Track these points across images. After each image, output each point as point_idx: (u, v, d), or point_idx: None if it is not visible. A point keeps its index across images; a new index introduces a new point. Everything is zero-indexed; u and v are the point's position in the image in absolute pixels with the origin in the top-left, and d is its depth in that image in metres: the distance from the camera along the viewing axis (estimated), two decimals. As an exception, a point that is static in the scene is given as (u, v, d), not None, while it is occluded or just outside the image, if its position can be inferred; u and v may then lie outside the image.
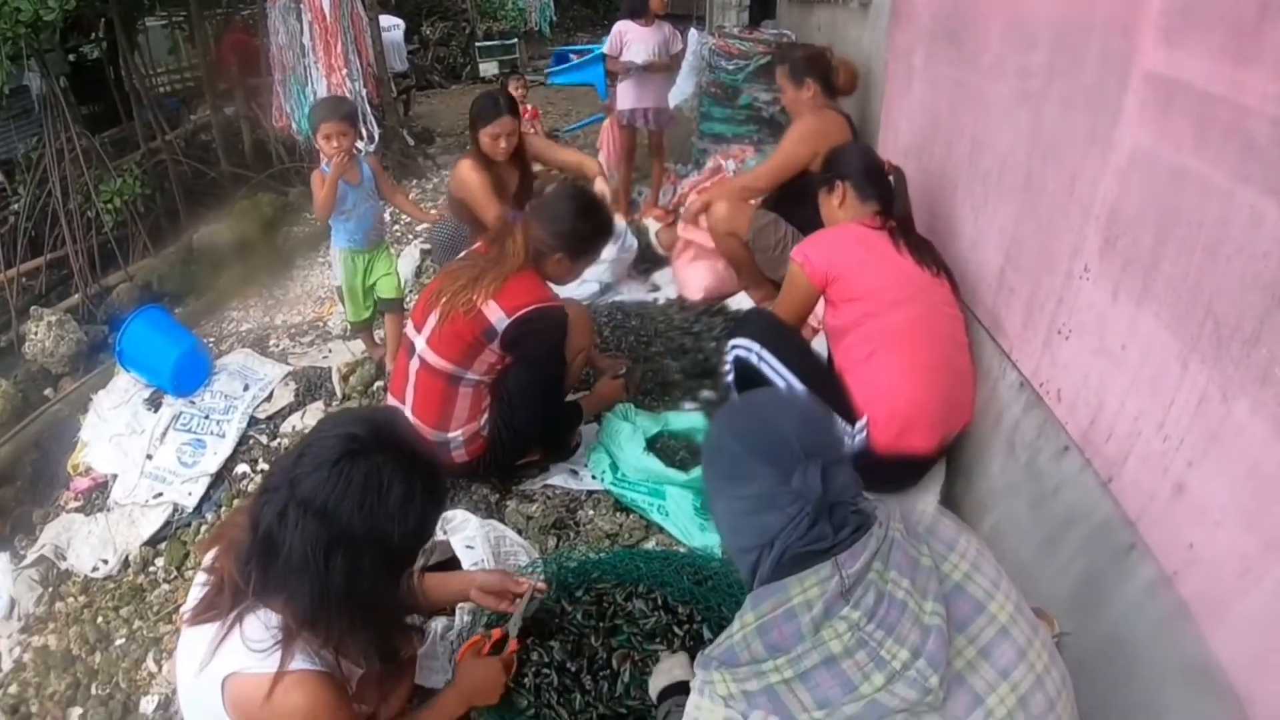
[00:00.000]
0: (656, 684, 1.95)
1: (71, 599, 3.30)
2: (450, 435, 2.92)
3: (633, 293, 4.79)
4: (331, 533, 1.50)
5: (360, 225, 3.95)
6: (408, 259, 5.21)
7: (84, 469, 3.89)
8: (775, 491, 1.33)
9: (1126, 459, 1.94)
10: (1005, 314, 2.62)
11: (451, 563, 2.63)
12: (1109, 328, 2.02)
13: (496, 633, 2.17)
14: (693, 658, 2.16)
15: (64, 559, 3.44)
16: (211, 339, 4.52)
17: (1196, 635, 1.66)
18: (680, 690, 1.88)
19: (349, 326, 4.40)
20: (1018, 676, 1.28)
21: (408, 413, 2.94)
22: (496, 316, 2.76)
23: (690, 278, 4.59)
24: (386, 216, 6.15)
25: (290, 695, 1.55)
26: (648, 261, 5.12)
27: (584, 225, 2.91)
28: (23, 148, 6.15)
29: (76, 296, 5.45)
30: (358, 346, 4.42)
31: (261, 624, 1.57)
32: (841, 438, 1.46)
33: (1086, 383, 2.12)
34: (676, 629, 2.23)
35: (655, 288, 4.87)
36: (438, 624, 2.44)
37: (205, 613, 1.63)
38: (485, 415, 2.96)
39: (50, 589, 3.38)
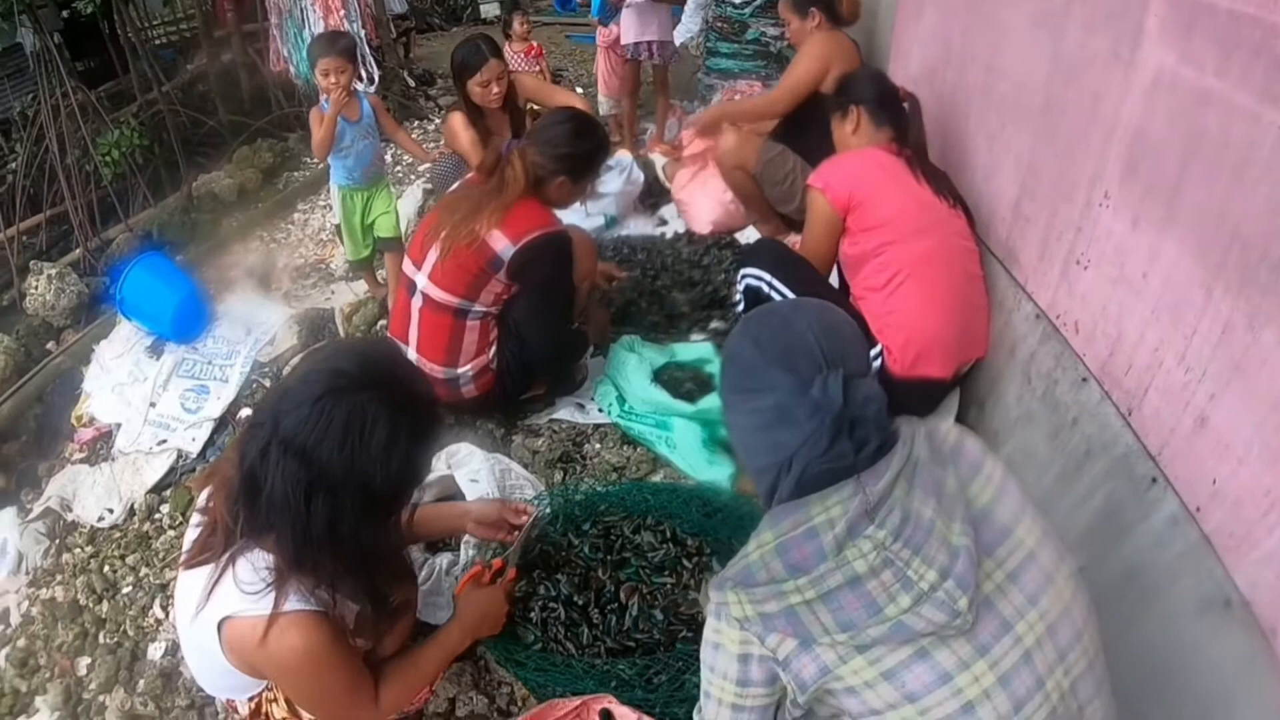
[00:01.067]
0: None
1: (78, 550, 3.26)
2: (460, 371, 2.86)
3: (639, 227, 4.68)
4: (312, 473, 1.43)
5: (359, 162, 3.86)
6: (410, 199, 5.11)
7: (87, 420, 3.84)
8: (792, 403, 1.25)
9: (1147, 391, 1.88)
10: (1020, 245, 2.55)
11: (449, 499, 2.57)
12: (1129, 256, 1.95)
13: (496, 562, 2.12)
14: (699, 585, 2.10)
15: (70, 510, 3.41)
16: (213, 285, 4.45)
17: (1219, 570, 1.61)
18: None
19: (350, 267, 4.33)
20: (1046, 604, 1.23)
21: (412, 352, 2.87)
22: (501, 245, 2.70)
23: (698, 211, 4.47)
24: (389, 158, 6.03)
25: (286, 637, 1.51)
26: (654, 196, 4.99)
27: (582, 144, 2.84)
28: (18, 106, 6.05)
29: (78, 251, 5.37)
30: (360, 287, 4.35)
31: (254, 565, 1.52)
32: (866, 349, 1.35)
33: (1105, 313, 2.05)
34: (685, 562, 2.17)
35: (663, 222, 4.76)
36: (442, 559, 2.40)
37: (200, 555, 1.59)
38: (493, 348, 2.90)
39: (57, 541, 3.36)
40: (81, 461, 3.67)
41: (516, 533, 2.15)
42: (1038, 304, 2.42)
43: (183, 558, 1.64)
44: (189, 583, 1.60)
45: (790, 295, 2.64)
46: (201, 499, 1.69)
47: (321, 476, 1.43)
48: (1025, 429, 2.44)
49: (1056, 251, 2.30)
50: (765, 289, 2.69)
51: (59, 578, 3.18)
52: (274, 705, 1.88)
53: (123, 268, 4.13)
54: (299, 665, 1.55)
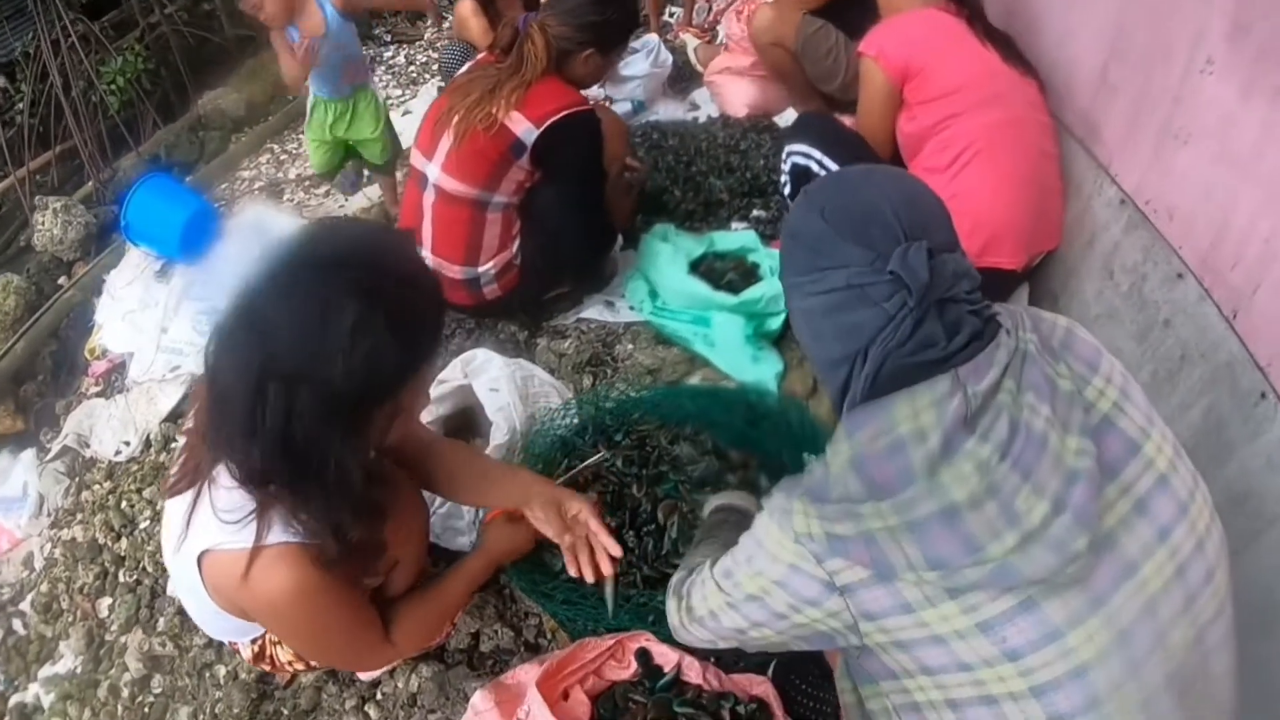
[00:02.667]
0: (709, 504, 1.72)
1: (96, 486, 3.12)
2: (481, 269, 2.63)
3: (669, 112, 4.37)
4: (262, 359, 1.21)
5: (330, 73, 3.49)
6: (425, 98, 4.79)
7: (100, 352, 3.68)
8: (868, 280, 1.05)
9: (1257, 290, 1.68)
10: (1104, 119, 2.27)
11: (467, 414, 2.33)
12: (1237, 131, 1.73)
13: None
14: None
15: (87, 447, 3.27)
16: (223, 201, 4.26)
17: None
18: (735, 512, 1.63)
19: (366, 174, 4.06)
20: (1179, 537, 1.04)
21: (426, 253, 2.64)
22: (523, 128, 2.45)
23: (733, 93, 4.16)
24: (401, 58, 5.70)
25: (271, 574, 1.34)
26: (685, 80, 4.66)
27: (611, 10, 2.57)
28: (20, 46, 5.88)
29: (90, 184, 5.20)
30: (374, 193, 4.16)
31: (233, 490, 1.33)
32: (951, 222, 1.07)
33: (1207, 198, 1.83)
34: (730, 476, 1.92)
35: (694, 106, 4.44)
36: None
37: (181, 480, 1.41)
38: (516, 242, 2.67)
39: (76, 479, 3.23)
40: (97, 395, 3.52)
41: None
42: (1123, 187, 2.18)
43: (167, 485, 1.47)
44: (171, 512, 1.45)
45: (844, 175, 2.34)
46: (189, 419, 1.54)
47: (274, 361, 1.21)
48: (1107, 328, 2.21)
49: (1148, 125, 2.06)
50: (814, 168, 2.39)
51: (79, 516, 3.06)
52: (278, 648, 1.74)
53: (127, 193, 3.92)
54: (288, 606, 1.37)
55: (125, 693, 2.37)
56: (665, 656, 1.63)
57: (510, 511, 1.83)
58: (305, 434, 1.23)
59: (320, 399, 1.22)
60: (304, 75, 3.32)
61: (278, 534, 1.32)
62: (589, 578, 1.73)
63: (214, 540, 1.34)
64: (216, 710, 2.15)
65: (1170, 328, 1.95)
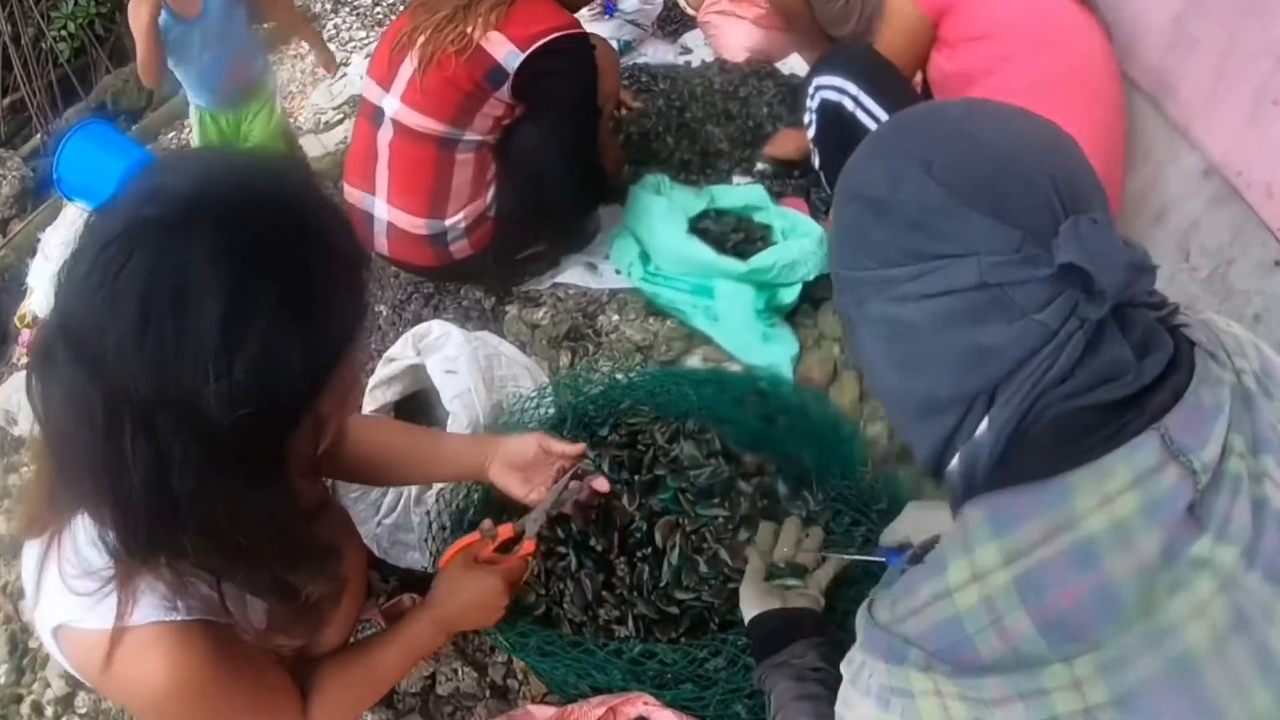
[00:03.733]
0: (748, 603, 1.28)
1: (25, 469, 2.79)
2: (449, 222, 2.25)
3: (658, 55, 3.99)
4: (104, 387, 0.82)
5: (209, 76, 2.96)
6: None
7: (31, 319, 3.40)
8: (1014, 277, 0.72)
9: None
10: (1181, 74, 1.98)
11: (421, 400, 1.94)
12: None
13: (505, 530, 1.46)
14: (766, 517, 1.49)
15: (15, 424, 2.96)
16: (170, 150, 3.98)
17: None
18: (787, 630, 1.20)
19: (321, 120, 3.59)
20: None
21: (380, 204, 2.26)
22: (504, 52, 2.12)
23: (731, 36, 3.78)
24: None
25: (140, 664, 0.98)
26: (675, 24, 4.28)
27: None
28: (-36, -5, 5.59)
29: (38, 137, 5.00)
30: (332, 139, 3.81)
31: (85, 548, 0.97)
32: (1102, 187, 0.71)
33: None
34: (743, 484, 1.56)
35: (686, 50, 4.04)
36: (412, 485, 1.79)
37: (37, 520, 1.03)
38: (491, 189, 2.30)
39: (4, 460, 2.92)
40: (26, 367, 3.12)
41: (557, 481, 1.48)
42: (1207, 154, 1.91)
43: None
44: (27, 559, 1.06)
45: (883, 116, 1.98)
46: None
47: (118, 391, 0.81)
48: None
49: (1240, 87, 1.78)
50: (849, 106, 2.02)
51: (4, 504, 2.74)
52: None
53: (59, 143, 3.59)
54: (164, 703, 1.01)
55: (49, 711, 2.09)
56: (667, 726, 1.27)
57: (469, 547, 1.44)
58: (189, 489, 0.85)
59: (196, 436, 0.83)
60: (155, 68, 2.80)
61: (148, 611, 0.96)
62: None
63: (67, 614, 0.98)
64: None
65: (1261, 323, 1.77)
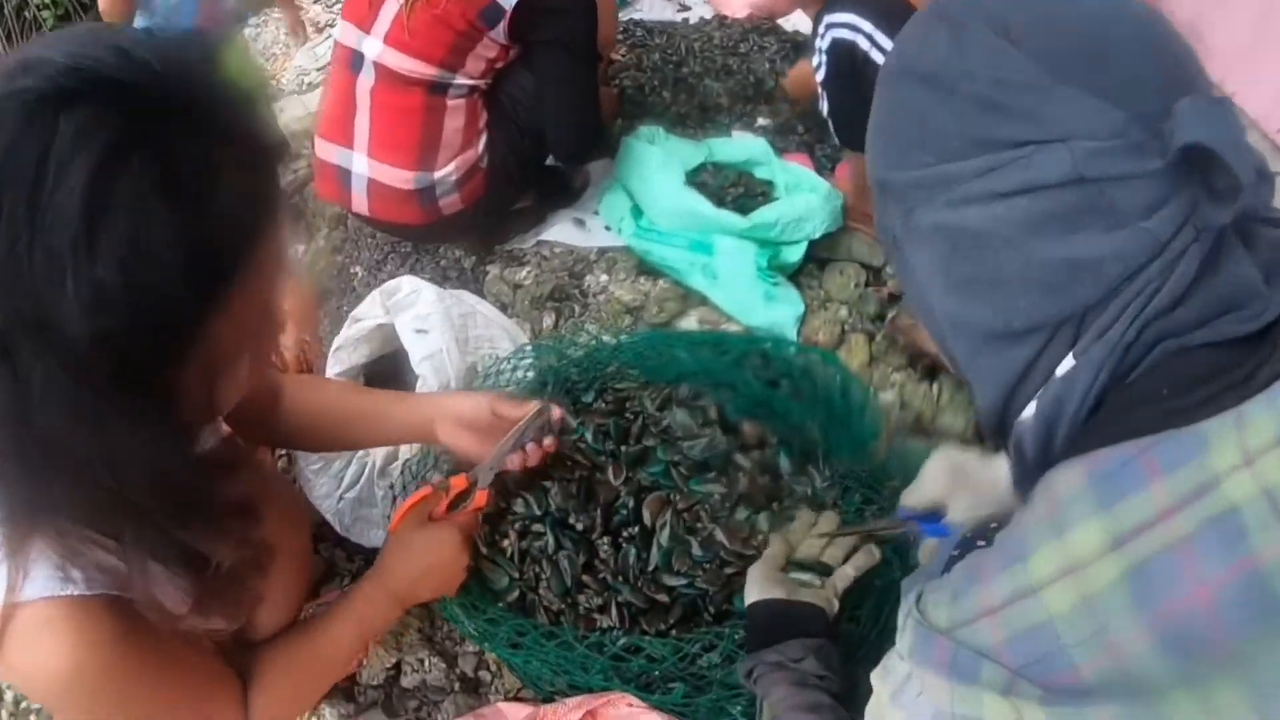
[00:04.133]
0: (753, 585, 1.12)
1: None
2: (439, 174, 2.07)
3: (654, 12, 3.83)
4: None
5: (185, 14, 2.81)
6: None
7: None
8: (1117, 169, 0.57)
9: None
10: (1219, 29, 1.90)
11: (391, 364, 1.78)
12: None
13: (458, 481, 1.32)
14: (770, 500, 1.33)
15: None
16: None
17: None
18: (788, 625, 1.04)
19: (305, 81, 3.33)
20: None
21: (360, 157, 2.08)
22: None
23: (732, -10, 3.67)
24: None
25: (33, 643, 0.85)
26: (670, -22, 4.12)
27: None
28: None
29: None
30: (314, 100, 3.55)
31: None
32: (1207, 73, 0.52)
33: None
34: (741, 457, 1.39)
35: (684, 7, 3.89)
36: (376, 455, 1.64)
37: None
38: (484, 137, 2.12)
39: None
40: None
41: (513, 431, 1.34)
42: (1244, 110, 1.76)
43: None
44: None
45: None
46: None
47: None
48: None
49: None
50: (863, 46, 1.83)
51: None
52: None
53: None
54: (65, 691, 0.88)
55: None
56: (655, 733, 1.12)
57: (421, 502, 1.29)
58: (55, 428, 0.70)
59: (59, 360, 0.68)
60: (118, 10, 2.61)
61: (41, 584, 0.82)
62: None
63: None
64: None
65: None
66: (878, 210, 0.72)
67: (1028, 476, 0.63)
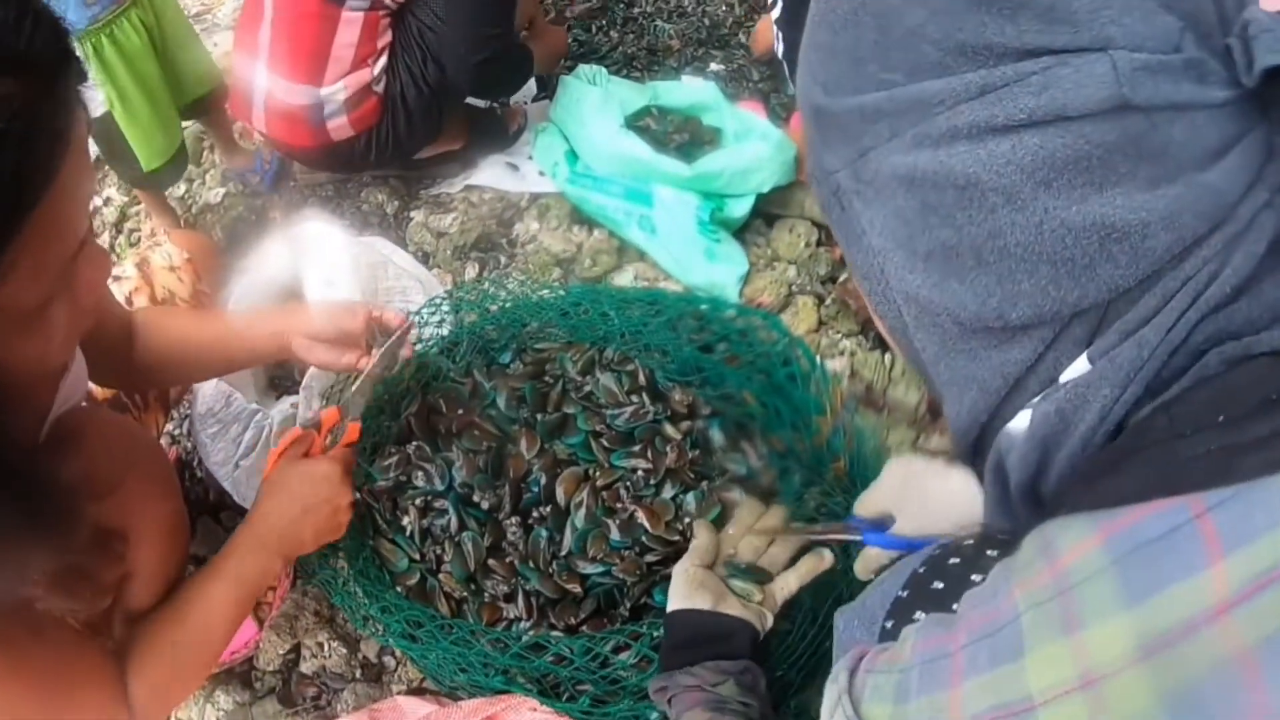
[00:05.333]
0: (678, 590, 0.99)
1: None
2: (325, 90, 1.88)
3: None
4: None
5: None
6: None
7: None
8: (1172, 90, 0.41)
9: None
10: None
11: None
12: None
13: (329, 415, 1.19)
14: (700, 479, 1.21)
15: None
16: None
17: None
18: (711, 641, 0.92)
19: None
20: None
21: (260, 67, 1.89)
22: None
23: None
24: None
25: None
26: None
27: None
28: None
29: None
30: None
31: None
32: None
33: None
34: (670, 429, 1.25)
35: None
36: (275, 414, 1.49)
37: None
38: (381, 61, 1.92)
39: None
40: None
41: (377, 351, 1.23)
42: None
43: None
44: None
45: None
46: None
47: None
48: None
49: None
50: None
51: None
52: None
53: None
54: None
55: None
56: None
57: (294, 443, 1.16)
58: None
59: None
60: None
61: None
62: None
63: None
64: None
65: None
66: (813, 153, 0.55)
67: (1006, 510, 0.49)
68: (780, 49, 1.85)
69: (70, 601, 0.89)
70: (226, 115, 2.11)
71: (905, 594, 0.57)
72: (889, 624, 0.57)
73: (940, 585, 0.59)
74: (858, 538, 0.96)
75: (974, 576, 0.60)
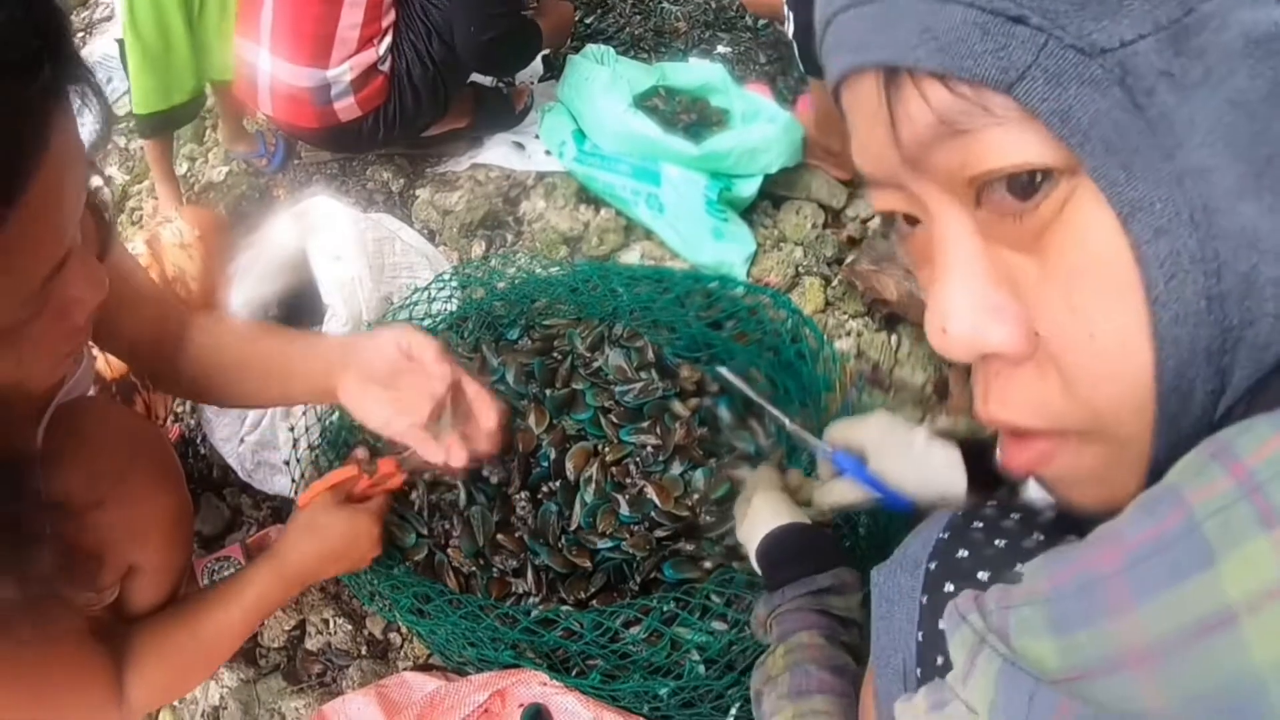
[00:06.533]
0: (760, 515, 0.94)
1: None
2: (331, 73, 1.86)
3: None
4: None
5: None
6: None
7: None
8: None
9: None
10: None
11: (305, 299, 1.61)
12: None
13: (386, 465, 1.15)
14: (708, 456, 1.20)
15: None
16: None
17: None
18: (811, 550, 0.88)
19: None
20: None
21: (263, 52, 1.88)
22: None
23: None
24: None
25: None
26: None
27: None
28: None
29: None
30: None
31: None
32: None
33: None
34: (679, 405, 1.24)
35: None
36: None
37: None
38: (387, 40, 1.90)
39: None
40: None
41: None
42: None
43: None
44: None
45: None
46: None
47: None
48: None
49: None
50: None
51: None
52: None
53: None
54: None
55: None
56: (572, 716, 0.99)
57: (343, 484, 1.13)
58: None
59: None
60: None
61: None
62: (456, 460, 1.01)
63: None
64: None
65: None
66: (1073, 21, 0.35)
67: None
68: (790, 28, 1.83)
69: (39, 617, 0.87)
70: (236, 104, 2.10)
71: (946, 535, 0.55)
72: (932, 565, 0.55)
73: (980, 527, 0.56)
74: (829, 458, 0.93)
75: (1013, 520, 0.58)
